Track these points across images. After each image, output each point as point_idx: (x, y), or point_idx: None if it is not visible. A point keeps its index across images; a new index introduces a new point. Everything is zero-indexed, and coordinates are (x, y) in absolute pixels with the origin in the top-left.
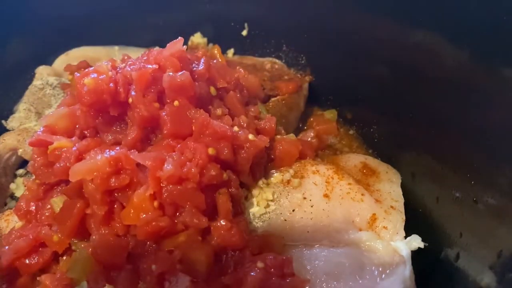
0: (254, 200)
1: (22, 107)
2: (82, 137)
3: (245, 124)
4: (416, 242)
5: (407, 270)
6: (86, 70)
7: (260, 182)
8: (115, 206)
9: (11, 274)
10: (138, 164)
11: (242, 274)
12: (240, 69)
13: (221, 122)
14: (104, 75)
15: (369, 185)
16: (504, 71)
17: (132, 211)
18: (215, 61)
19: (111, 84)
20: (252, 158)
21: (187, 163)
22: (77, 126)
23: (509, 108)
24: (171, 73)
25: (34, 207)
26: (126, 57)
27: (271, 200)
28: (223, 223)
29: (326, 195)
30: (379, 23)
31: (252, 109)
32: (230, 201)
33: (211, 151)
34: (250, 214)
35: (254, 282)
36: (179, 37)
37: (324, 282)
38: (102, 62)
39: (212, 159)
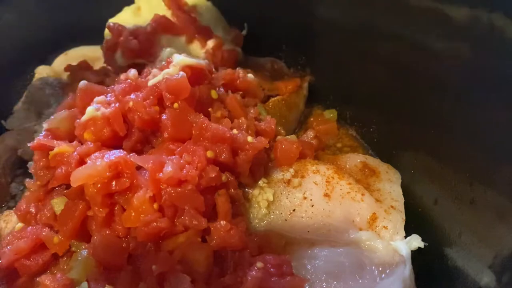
0: (255, 201)
1: (21, 107)
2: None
3: (244, 126)
4: (416, 241)
5: (407, 270)
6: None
7: (261, 182)
8: (116, 208)
9: (11, 274)
10: (138, 167)
11: (241, 274)
12: (240, 69)
13: (220, 125)
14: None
15: (369, 185)
16: (504, 70)
17: (133, 213)
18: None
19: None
20: (251, 160)
21: (187, 165)
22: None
23: (509, 108)
24: (167, 76)
25: (34, 208)
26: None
27: (272, 200)
28: (223, 224)
29: (326, 195)
30: (379, 23)
31: (252, 111)
32: (229, 202)
33: (209, 153)
34: (251, 214)
35: (254, 282)
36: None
37: (324, 282)
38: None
39: (211, 162)
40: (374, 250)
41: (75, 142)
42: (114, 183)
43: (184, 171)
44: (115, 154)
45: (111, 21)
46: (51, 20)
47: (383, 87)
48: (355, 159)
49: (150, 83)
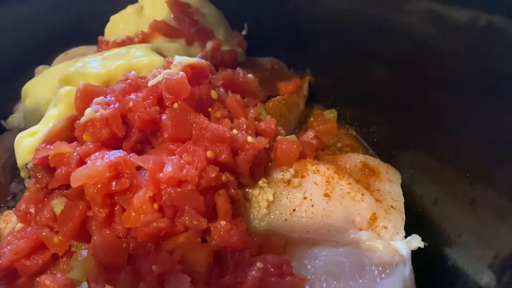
0: (255, 201)
1: (21, 107)
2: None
3: (244, 126)
4: (416, 241)
5: (407, 270)
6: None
7: (261, 182)
8: (116, 208)
9: (11, 274)
10: (138, 167)
11: (241, 274)
12: (240, 69)
13: (220, 125)
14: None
15: (369, 185)
16: (504, 70)
17: (133, 213)
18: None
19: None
20: (251, 160)
21: (187, 165)
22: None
23: (509, 108)
24: (167, 76)
25: (33, 209)
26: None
27: (272, 200)
28: (223, 224)
29: (326, 195)
30: (379, 23)
31: (252, 111)
32: (229, 203)
33: (209, 154)
34: (251, 214)
35: (254, 282)
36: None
37: (324, 282)
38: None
39: (211, 162)
40: (374, 250)
41: (74, 143)
42: (114, 183)
43: (184, 171)
44: (115, 155)
45: (114, 17)
46: (51, 20)
47: (383, 87)
48: (355, 159)
49: (150, 83)
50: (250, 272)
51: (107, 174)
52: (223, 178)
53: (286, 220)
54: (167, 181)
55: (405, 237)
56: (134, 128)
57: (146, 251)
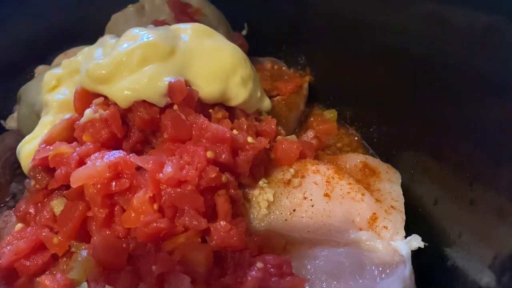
0: (255, 201)
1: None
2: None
3: (244, 127)
4: (416, 241)
5: (407, 270)
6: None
7: (261, 182)
8: (116, 208)
9: (10, 274)
10: (138, 167)
11: (241, 274)
12: None
13: (220, 125)
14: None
15: (369, 185)
16: (504, 71)
17: (133, 214)
18: None
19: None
20: (251, 160)
21: (186, 166)
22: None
23: (509, 108)
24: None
25: (33, 209)
26: None
27: (272, 201)
28: (223, 225)
29: (326, 195)
30: (379, 23)
31: None
32: (229, 203)
33: (209, 154)
34: (251, 214)
35: (254, 282)
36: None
37: (325, 282)
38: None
39: (211, 162)
40: (374, 250)
41: (74, 143)
42: (114, 183)
43: (184, 172)
44: (115, 155)
45: (115, 16)
46: (51, 20)
47: (383, 87)
48: (355, 159)
49: None
50: (250, 272)
51: (107, 174)
52: (223, 178)
53: (286, 220)
54: (167, 181)
55: (405, 237)
56: (134, 128)
57: (146, 251)
